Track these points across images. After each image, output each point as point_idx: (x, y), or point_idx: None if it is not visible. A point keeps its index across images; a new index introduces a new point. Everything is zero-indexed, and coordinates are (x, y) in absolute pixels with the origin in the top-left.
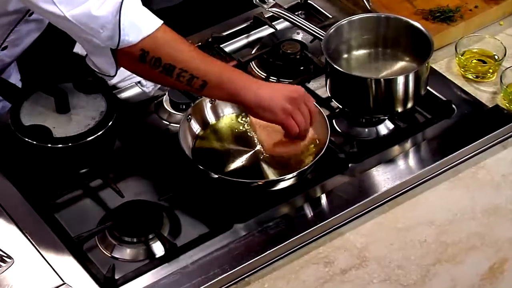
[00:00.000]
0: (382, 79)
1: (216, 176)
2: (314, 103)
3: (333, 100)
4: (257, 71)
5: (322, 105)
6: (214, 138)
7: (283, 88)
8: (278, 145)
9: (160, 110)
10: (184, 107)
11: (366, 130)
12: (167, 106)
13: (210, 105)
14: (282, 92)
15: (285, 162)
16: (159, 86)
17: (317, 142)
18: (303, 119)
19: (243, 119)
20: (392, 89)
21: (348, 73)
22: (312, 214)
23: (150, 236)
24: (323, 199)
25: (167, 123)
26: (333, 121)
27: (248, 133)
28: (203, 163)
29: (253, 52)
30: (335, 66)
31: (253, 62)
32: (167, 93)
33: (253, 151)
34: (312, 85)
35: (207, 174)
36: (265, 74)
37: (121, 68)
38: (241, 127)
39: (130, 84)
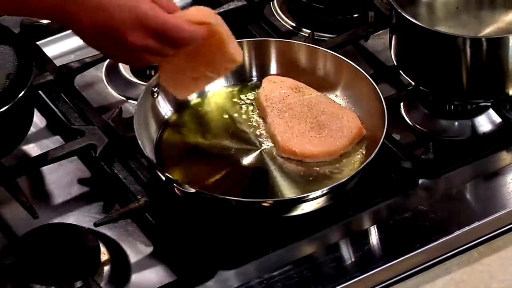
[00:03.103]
0: (483, 39)
1: (193, 190)
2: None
3: (401, 71)
4: (281, 18)
5: (384, 79)
6: (194, 127)
7: None
8: (302, 141)
9: (113, 77)
10: (153, 73)
11: (456, 124)
12: (125, 71)
13: None
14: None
15: (311, 170)
16: None
17: (367, 138)
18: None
19: (245, 95)
20: (500, 56)
21: (428, 28)
22: (351, 259)
23: (78, 285)
24: (372, 235)
25: (123, 98)
26: (400, 106)
27: (252, 120)
28: (172, 169)
29: None
30: (405, 15)
31: (274, 3)
32: None
33: (259, 150)
34: (371, 44)
35: (179, 186)
36: (293, 24)
37: None
38: (240, 110)
39: None
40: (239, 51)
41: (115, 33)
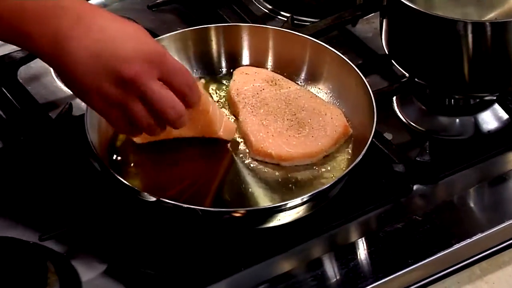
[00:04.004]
0: (487, 24)
1: (154, 199)
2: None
3: (393, 61)
4: (256, 0)
5: (374, 70)
6: None
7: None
8: (279, 142)
9: None
10: None
11: (456, 121)
12: None
13: None
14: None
15: (290, 175)
16: None
17: (353, 138)
18: (144, 113)
19: (213, 90)
20: (506, 42)
21: (424, 12)
22: (336, 276)
23: None
24: (360, 249)
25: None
26: (393, 101)
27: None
28: (129, 175)
29: None
30: None
31: None
32: None
33: (230, 153)
34: (359, 29)
35: (137, 195)
36: (270, 7)
37: None
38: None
39: None
40: (229, 132)
41: (110, 61)
